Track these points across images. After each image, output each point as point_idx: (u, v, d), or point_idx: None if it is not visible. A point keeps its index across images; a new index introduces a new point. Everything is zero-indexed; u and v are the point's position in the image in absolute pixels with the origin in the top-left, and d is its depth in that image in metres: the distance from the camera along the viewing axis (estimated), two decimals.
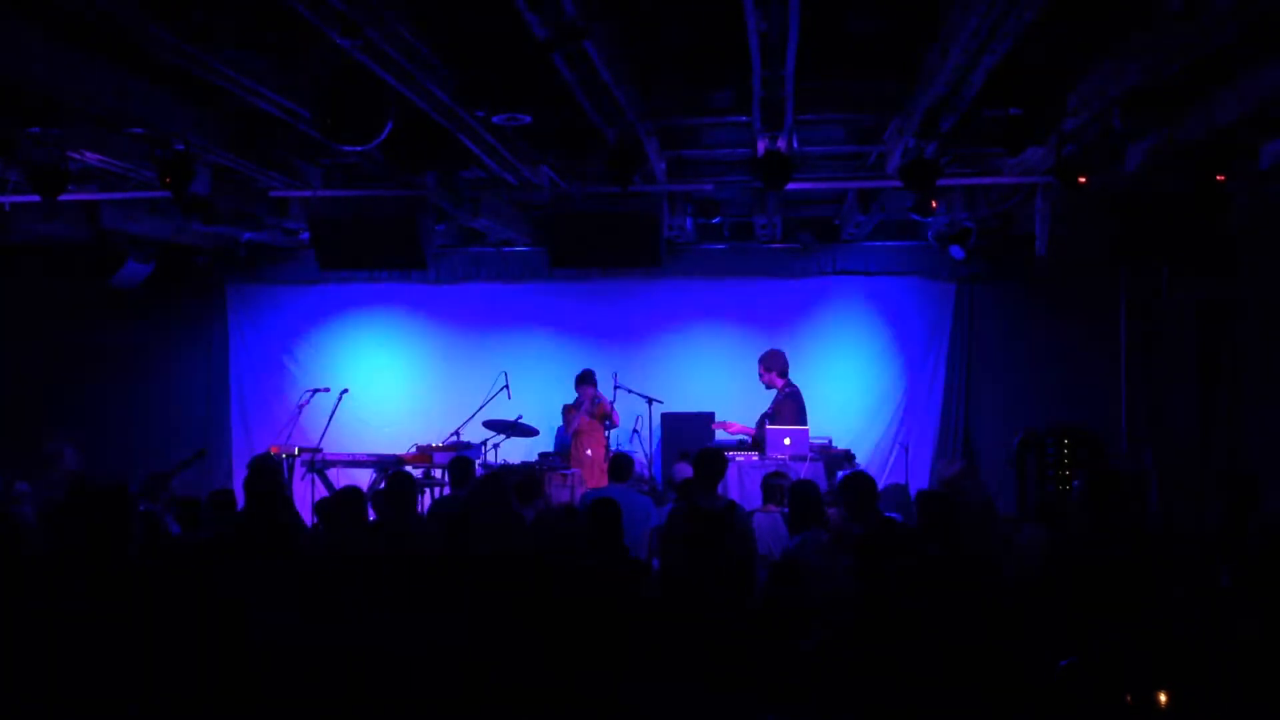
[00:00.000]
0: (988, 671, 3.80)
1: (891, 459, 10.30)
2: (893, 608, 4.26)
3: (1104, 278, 10.01)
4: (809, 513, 6.06)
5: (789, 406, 9.20)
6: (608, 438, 9.90)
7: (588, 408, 9.69)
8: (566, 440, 9.95)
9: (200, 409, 11.23)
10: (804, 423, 9.05)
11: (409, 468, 8.26)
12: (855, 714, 3.59)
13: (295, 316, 11.31)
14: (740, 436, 9.41)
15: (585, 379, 9.85)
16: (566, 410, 9.93)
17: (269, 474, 6.58)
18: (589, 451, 9.57)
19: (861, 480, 6.15)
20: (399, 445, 9.59)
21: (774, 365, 9.48)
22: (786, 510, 6.48)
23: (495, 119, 6.49)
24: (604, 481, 8.51)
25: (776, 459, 8.50)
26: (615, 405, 10.00)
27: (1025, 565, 5.41)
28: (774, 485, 7.05)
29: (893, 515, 7.18)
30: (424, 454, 9.23)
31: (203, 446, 10.97)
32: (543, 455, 9.74)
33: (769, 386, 9.48)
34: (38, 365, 11.11)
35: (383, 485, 8.57)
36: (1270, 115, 6.06)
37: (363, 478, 9.34)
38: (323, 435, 9.71)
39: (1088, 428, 9.47)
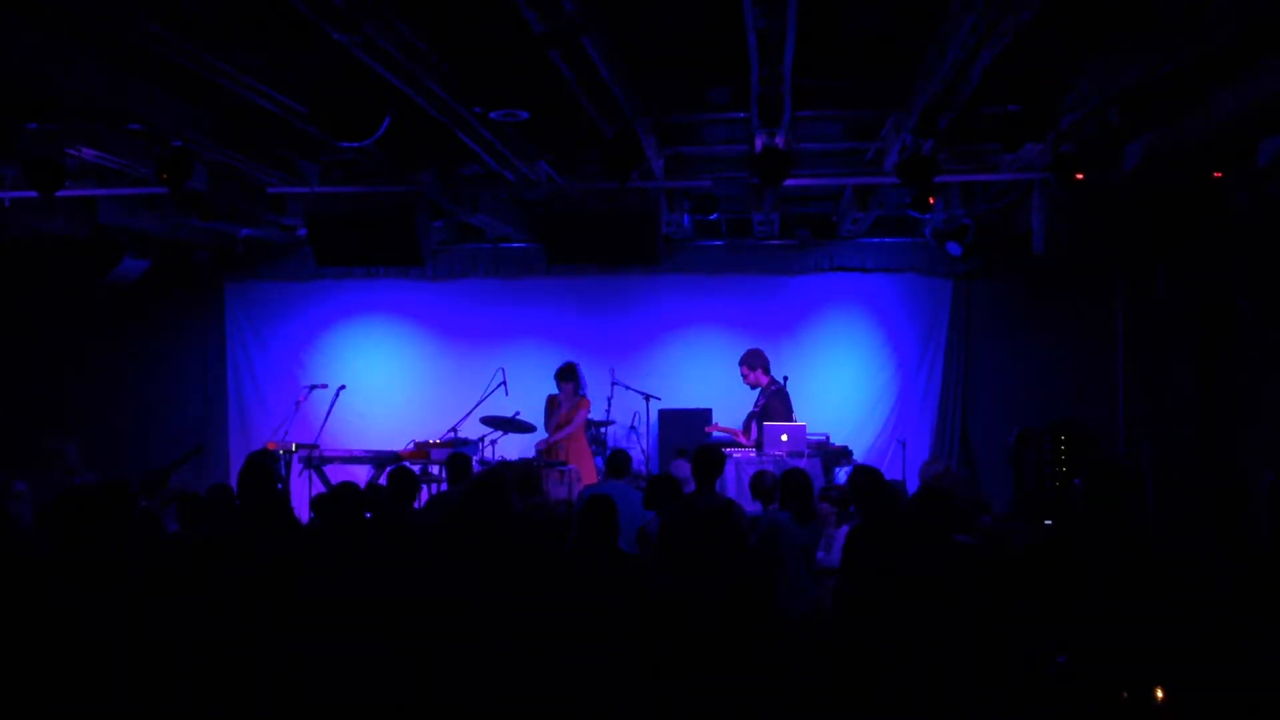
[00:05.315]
0: (983, 670, 3.81)
1: (889, 455, 10.31)
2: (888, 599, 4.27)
3: (1101, 274, 10.02)
4: (801, 501, 6.11)
5: (777, 403, 9.20)
6: (591, 443, 9.63)
7: (566, 407, 9.45)
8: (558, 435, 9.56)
9: (198, 405, 11.23)
10: (791, 418, 9.05)
11: (407, 464, 8.24)
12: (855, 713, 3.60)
13: (292, 313, 11.30)
14: (726, 437, 9.38)
15: (565, 374, 9.42)
16: (550, 403, 9.62)
17: (265, 471, 6.56)
18: (570, 464, 8.95)
19: (872, 475, 6.11)
20: (396, 441, 9.57)
21: (758, 363, 9.45)
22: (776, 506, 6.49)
23: (493, 115, 6.49)
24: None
25: (774, 455, 8.49)
26: (613, 402, 9.92)
27: (1017, 561, 5.41)
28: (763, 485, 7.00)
29: None
30: (421, 450, 9.20)
31: (199, 442, 11.00)
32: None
33: (754, 386, 9.47)
34: (35, 362, 11.11)
35: (381, 481, 8.57)
36: (1268, 113, 6.06)
37: (360, 474, 9.32)
38: (320, 431, 9.70)
39: (1085, 424, 9.49)
